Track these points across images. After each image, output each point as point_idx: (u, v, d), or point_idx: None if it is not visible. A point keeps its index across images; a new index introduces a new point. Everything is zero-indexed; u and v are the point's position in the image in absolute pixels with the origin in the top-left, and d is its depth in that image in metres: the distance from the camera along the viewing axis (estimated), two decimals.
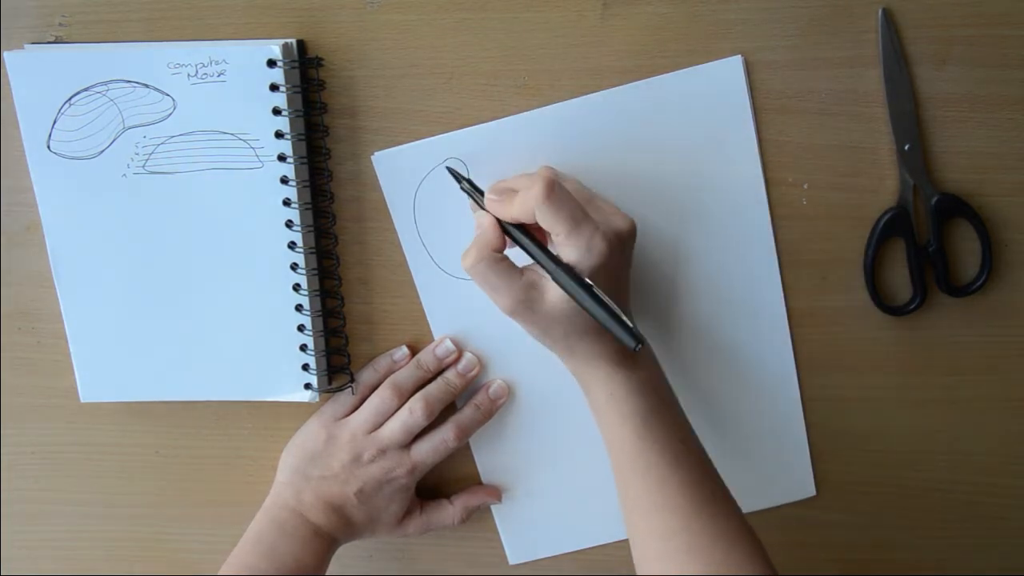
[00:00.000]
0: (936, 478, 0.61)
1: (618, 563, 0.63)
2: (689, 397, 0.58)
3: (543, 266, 0.49)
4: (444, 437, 0.58)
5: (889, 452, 0.60)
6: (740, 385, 0.56)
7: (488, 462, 0.61)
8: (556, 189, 0.47)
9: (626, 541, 0.62)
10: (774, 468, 0.61)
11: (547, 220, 0.48)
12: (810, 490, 0.61)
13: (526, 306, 0.49)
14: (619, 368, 0.50)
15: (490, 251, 0.49)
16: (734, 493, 0.51)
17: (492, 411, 0.59)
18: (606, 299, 0.47)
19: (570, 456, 0.61)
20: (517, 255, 0.50)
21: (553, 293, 0.49)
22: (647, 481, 0.50)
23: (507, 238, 0.51)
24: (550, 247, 0.50)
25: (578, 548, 0.63)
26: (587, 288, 0.47)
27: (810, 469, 0.61)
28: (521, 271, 0.50)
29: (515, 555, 0.63)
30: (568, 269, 0.48)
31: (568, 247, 0.48)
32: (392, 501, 0.59)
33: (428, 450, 0.58)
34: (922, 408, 0.60)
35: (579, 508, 0.62)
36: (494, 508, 0.62)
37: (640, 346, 0.46)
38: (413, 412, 0.57)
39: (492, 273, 0.49)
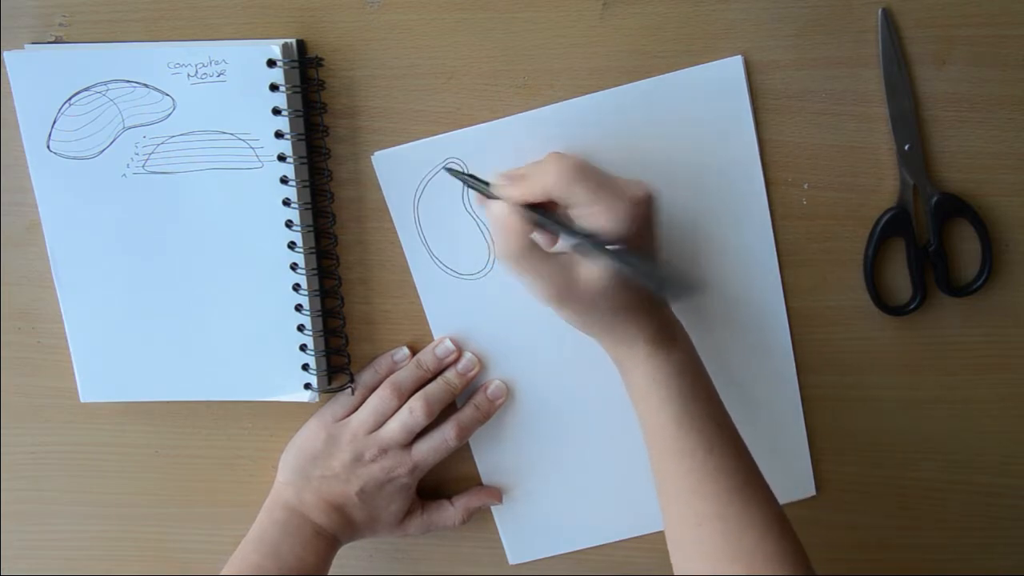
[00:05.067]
0: (936, 478, 0.61)
1: (618, 563, 0.63)
2: None
3: (575, 235, 0.47)
4: (445, 436, 0.58)
5: (889, 452, 0.60)
6: (740, 385, 0.56)
7: (488, 462, 0.61)
8: (580, 161, 0.48)
9: (625, 541, 0.63)
10: (774, 468, 0.60)
11: (568, 191, 0.47)
12: (810, 490, 0.61)
13: (565, 289, 0.48)
14: (659, 348, 0.50)
15: (523, 237, 0.48)
16: None
17: (491, 411, 0.59)
18: (641, 256, 0.46)
19: (570, 456, 0.61)
20: None
21: (588, 272, 0.47)
22: (683, 466, 0.49)
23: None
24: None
25: (578, 548, 0.63)
26: (619, 253, 0.46)
27: (810, 469, 0.61)
28: (553, 256, 0.48)
29: (515, 555, 0.63)
30: (597, 237, 0.47)
31: (592, 215, 0.47)
32: (393, 501, 0.59)
33: (429, 449, 0.58)
34: (922, 408, 0.60)
35: (579, 508, 0.62)
36: (494, 508, 0.62)
37: (693, 289, 0.44)
38: (413, 412, 0.57)
39: (526, 260, 0.48)
